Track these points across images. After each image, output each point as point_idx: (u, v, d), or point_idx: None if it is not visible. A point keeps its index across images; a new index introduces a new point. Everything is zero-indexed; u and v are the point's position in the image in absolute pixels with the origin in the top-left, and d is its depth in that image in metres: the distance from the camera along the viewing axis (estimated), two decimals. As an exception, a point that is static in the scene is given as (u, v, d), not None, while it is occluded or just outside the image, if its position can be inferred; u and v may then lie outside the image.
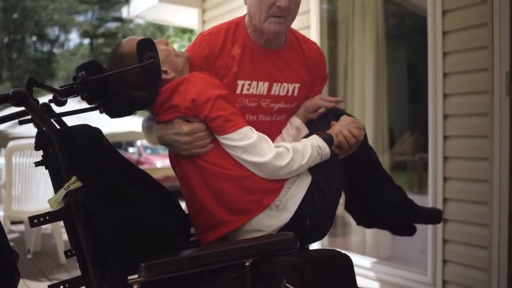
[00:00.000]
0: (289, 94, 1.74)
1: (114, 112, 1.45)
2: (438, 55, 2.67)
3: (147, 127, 1.63)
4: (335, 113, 1.72)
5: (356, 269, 1.52)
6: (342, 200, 1.69)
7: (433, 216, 1.93)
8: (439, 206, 2.68)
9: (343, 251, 1.53)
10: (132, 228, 1.25)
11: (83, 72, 1.33)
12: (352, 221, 3.51)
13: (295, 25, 1.77)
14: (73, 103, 1.49)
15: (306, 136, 1.61)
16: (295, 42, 1.78)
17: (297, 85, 1.75)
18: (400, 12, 4.75)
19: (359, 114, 3.51)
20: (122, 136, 8.17)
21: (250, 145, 1.42)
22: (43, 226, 4.94)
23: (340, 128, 1.59)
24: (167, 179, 9.76)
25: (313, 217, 1.48)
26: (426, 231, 2.77)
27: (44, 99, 1.35)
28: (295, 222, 1.45)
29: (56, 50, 24.56)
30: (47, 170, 1.29)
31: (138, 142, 11.60)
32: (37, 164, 1.29)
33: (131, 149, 12.13)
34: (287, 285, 1.19)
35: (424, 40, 2.78)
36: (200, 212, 1.49)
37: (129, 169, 1.48)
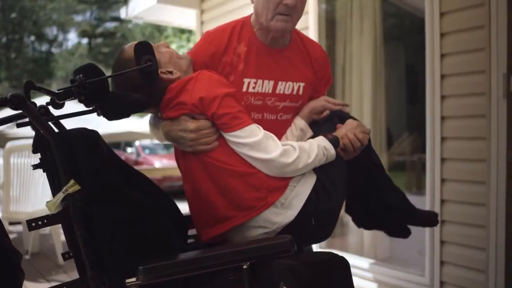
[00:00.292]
0: (294, 92, 1.76)
1: (112, 114, 1.45)
2: (435, 57, 2.68)
3: (154, 124, 1.65)
4: (340, 116, 1.75)
5: (353, 270, 1.53)
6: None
7: (430, 219, 1.94)
8: (437, 207, 2.69)
9: (340, 252, 1.54)
10: (130, 230, 1.25)
11: (81, 75, 1.33)
12: (350, 222, 3.53)
13: (293, 25, 1.78)
14: (72, 104, 1.49)
15: (311, 137, 1.63)
16: (299, 42, 1.80)
17: (302, 84, 1.76)
18: (398, 12, 4.76)
19: (357, 114, 3.51)
20: (120, 136, 8.17)
21: (256, 142, 1.44)
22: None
23: (345, 131, 1.62)
24: (165, 180, 9.79)
25: (318, 216, 1.50)
26: (423, 233, 2.78)
27: (42, 99, 1.36)
28: (300, 220, 1.47)
29: (54, 50, 24.52)
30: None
31: (137, 142, 11.59)
32: (35, 167, 1.29)
33: (129, 149, 12.13)
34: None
35: (422, 40, 2.79)
36: (205, 207, 1.51)
37: (126, 172, 1.48)
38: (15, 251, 1.30)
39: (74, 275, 1.30)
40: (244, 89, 1.67)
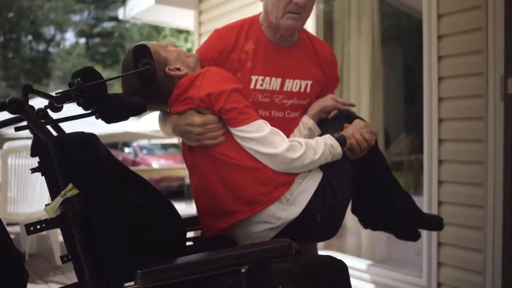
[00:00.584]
0: (302, 90, 1.77)
1: (110, 118, 1.45)
2: (433, 59, 2.69)
3: (163, 119, 1.67)
4: (348, 116, 1.76)
5: (351, 271, 1.53)
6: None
7: (436, 223, 1.92)
8: (434, 209, 2.69)
9: (338, 254, 1.54)
10: (128, 234, 1.26)
11: (79, 79, 1.33)
12: (348, 223, 3.54)
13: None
14: (72, 106, 1.50)
15: (319, 136, 1.64)
16: (307, 41, 1.82)
17: (310, 82, 1.78)
18: (396, 13, 4.77)
19: (355, 115, 3.52)
20: (118, 136, 8.17)
21: (263, 137, 1.46)
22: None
23: (353, 131, 1.63)
24: (163, 180, 9.78)
25: (324, 213, 1.50)
26: (421, 234, 2.78)
27: (40, 100, 1.35)
28: (306, 217, 1.48)
29: (52, 50, 24.46)
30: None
31: (134, 143, 11.58)
32: (34, 170, 1.30)
33: (127, 150, 12.11)
34: (282, 291, 1.20)
35: (419, 41, 2.80)
36: (210, 201, 1.53)
37: (125, 175, 1.48)
38: (18, 252, 1.30)
39: (72, 276, 1.30)
40: (252, 86, 1.69)
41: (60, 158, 1.20)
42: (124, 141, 11.30)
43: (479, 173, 2.49)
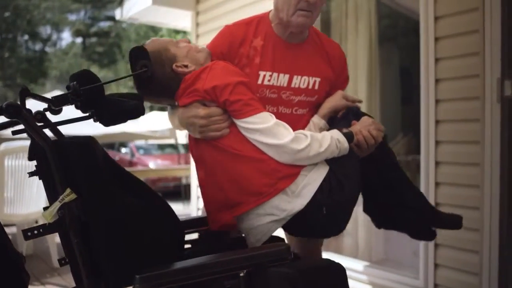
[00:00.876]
0: (310, 87, 1.77)
1: (108, 121, 1.45)
2: (430, 61, 2.69)
3: (172, 112, 1.69)
4: (356, 113, 1.76)
5: (348, 273, 1.52)
6: (360, 201, 1.69)
7: (453, 221, 1.86)
8: (431, 210, 2.70)
9: (335, 255, 1.54)
10: (127, 239, 1.26)
11: (75, 82, 1.33)
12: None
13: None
14: (71, 106, 1.50)
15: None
16: (316, 38, 1.83)
17: (318, 79, 1.78)
18: (393, 14, 4.77)
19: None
20: (115, 136, 8.15)
21: (267, 128, 1.47)
22: (35, 228, 4.93)
23: (360, 128, 1.63)
24: (160, 180, 9.78)
25: (330, 206, 1.49)
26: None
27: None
28: (311, 210, 1.48)
29: (48, 49, 24.36)
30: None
31: (131, 143, 11.57)
32: (31, 174, 1.29)
33: (123, 150, 12.10)
34: (280, 295, 1.20)
35: (416, 42, 2.80)
36: (216, 193, 1.54)
37: (123, 178, 1.47)
38: (18, 254, 1.30)
39: (69, 278, 1.30)
40: (260, 81, 1.70)
41: (57, 162, 1.19)
42: (121, 141, 11.28)
43: (475, 175, 2.49)
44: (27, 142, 1.30)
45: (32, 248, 4.36)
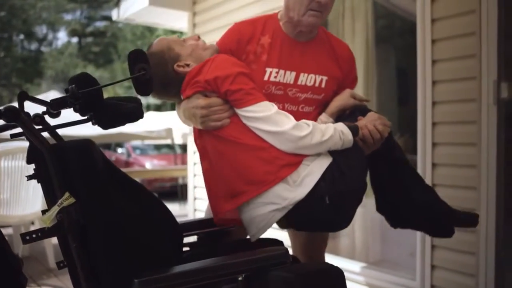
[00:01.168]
0: (316, 85, 1.77)
1: (106, 124, 1.45)
2: (427, 63, 2.70)
3: (178, 106, 1.71)
4: (363, 110, 1.76)
5: (345, 274, 1.51)
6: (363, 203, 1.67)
7: (468, 219, 1.81)
8: (428, 212, 2.70)
9: (332, 256, 1.53)
10: (125, 243, 1.25)
11: (73, 85, 1.33)
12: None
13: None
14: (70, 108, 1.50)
15: None
16: (325, 38, 1.84)
17: (325, 78, 1.78)
18: (389, 15, 4.78)
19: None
20: (111, 137, 8.12)
21: (269, 116, 1.48)
22: (32, 229, 4.91)
23: (366, 122, 1.64)
24: (156, 180, 9.76)
25: (333, 196, 1.48)
26: (415, 236, 2.81)
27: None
28: (313, 199, 1.47)
29: (44, 49, 24.27)
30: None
31: (127, 143, 11.54)
32: (30, 177, 1.29)
33: (120, 150, 12.07)
34: (279, 299, 1.20)
35: (412, 43, 2.81)
36: (219, 183, 1.56)
37: (121, 181, 1.47)
38: (16, 257, 1.30)
39: (65, 279, 1.30)
40: (266, 78, 1.71)
41: (56, 166, 1.19)
42: (118, 141, 11.25)
43: (472, 177, 2.50)
44: (24, 143, 1.30)
45: (28, 249, 4.35)
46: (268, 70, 1.71)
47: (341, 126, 1.57)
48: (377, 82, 3.75)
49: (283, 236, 2.05)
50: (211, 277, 1.18)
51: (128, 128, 7.95)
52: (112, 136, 7.81)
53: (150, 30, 17.59)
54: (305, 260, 1.92)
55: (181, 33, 5.99)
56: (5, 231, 5.08)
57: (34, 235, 1.18)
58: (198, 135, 1.64)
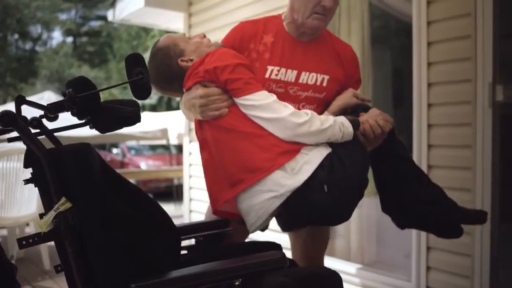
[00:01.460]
0: (318, 83, 1.78)
1: (104, 128, 1.45)
2: (422, 65, 2.71)
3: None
4: (365, 109, 1.76)
5: (341, 275, 1.51)
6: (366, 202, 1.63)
7: (477, 216, 1.78)
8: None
9: (327, 257, 1.52)
10: (122, 248, 1.25)
11: (70, 89, 1.32)
12: (337, 226, 3.56)
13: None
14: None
15: None
16: (328, 39, 1.87)
17: (327, 77, 1.79)
18: (385, 16, 4.80)
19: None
20: (106, 137, 8.10)
21: (268, 103, 1.51)
22: (27, 230, 4.89)
23: (367, 117, 1.64)
24: (151, 181, 9.74)
25: (331, 184, 1.46)
26: (410, 238, 2.82)
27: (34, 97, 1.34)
28: (311, 186, 1.46)
29: (38, 48, 24.17)
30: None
31: (122, 143, 11.51)
32: (27, 182, 1.29)
33: (115, 150, 12.04)
34: (276, 303, 1.20)
35: (408, 44, 2.82)
36: (218, 173, 1.57)
37: (119, 185, 1.47)
38: (9, 263, 1.30)
39: (60, 281, 1.30)
40: (267, 75, 1.73)
41: (52, 171, 1.19)
42: (113, 142, 11.23)
43: (467, 179, 2.52)
44: (19, 144, 1.30)
45: (23, 251, 4.32)
46: (270, 68, 1.73)
47: (341, 118, 1.58)
48: (372, 83, 3.75)
49: (283, 239, 2.05)
50: (208, 282, 1.18)
51: (123, 129, 7.93)
52: (107, 136, 7.78)
53: (145, 30, 17.54)
54: (305, 263, 1.92)
55: (176, 32, 5.98)
56: (0, 233, 5.07)
57: (30, 240, 1.17)
58: (199, 127, 1.66)
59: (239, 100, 1.54)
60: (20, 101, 1.27)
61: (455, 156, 2.60)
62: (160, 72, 1.69)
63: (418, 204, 1.72)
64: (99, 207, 1.24)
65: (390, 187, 1.76)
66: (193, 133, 4.75)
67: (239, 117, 1.53)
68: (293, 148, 1.51)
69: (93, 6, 23.41)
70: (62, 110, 1.35)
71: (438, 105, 2.68)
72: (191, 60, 1.66)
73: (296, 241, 2.00)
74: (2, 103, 17.26)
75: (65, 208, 1.17)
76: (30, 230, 4.95)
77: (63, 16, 24.36)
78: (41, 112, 1.34)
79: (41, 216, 1.22)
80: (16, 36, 23.15)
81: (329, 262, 2.08)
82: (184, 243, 1.68)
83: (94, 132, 1.48)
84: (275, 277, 1.22)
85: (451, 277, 2.63)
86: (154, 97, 16.15)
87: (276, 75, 1.73)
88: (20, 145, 1.30)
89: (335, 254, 3.65)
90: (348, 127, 1.56)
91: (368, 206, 3.57)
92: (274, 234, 2.05)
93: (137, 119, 1.46)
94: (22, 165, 1.32)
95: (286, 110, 1.50)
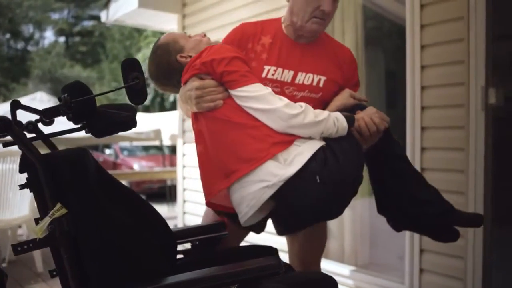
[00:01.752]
0: (314, 84, 1.79)
1: (99, 132, 1.45)
2: (416, 68, 2.73)
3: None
4: (362, 108, 1.75)
5: (334, 277, 1.50)
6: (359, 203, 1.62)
7: (473, 218, 1.77)
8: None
9: (322, 258, 1.50)
10: (117, 253, 1.25)
11: (66, 94, 1.32)
12: (331, 228, 3.56)
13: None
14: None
15: None
16: (327, 41, 1.88)
17: (323, 78, 1.79)
18: (378, 18, 4.81)
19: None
20: (99, 139, 8.06)
21: (262, 95, 1.53)
22: (19, 232, 4.86)
23: (363, 115, 1.64)
24: (144, 182, 9.72)
25: (323, 176, 1.46)
26: (403, 240, 2.83)
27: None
28: (304, 177, 1.46)
29: (30, 48, 24.05)
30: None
31: (115, 144, 11.47)
32: (22, 187, 1.28)
33: (107, 151, 12.00)
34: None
35: (402, 46, 2.83)
36: (212, 164, 1.59)
37: (115, 190, 1.47)
38: (0, 271, 1.29)
39: (53, 283, 1.30)
40: (264, 75, 1.74)
41: (47, 177, 1.19)
42: (105, 143, 11.19)
43: (460, 181, 2.53)
44: (12, 146, 1.29)
45: (16, 253, 4.29)
46: (267, 68, 1.74)
47: (336, 113, 1.59)
48: (365, 85, 3.76)
49: (280, 242, 2.06)
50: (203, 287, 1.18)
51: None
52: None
53: (138, 30, 17.47)
54: (301, 267, 1.93)
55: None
56: (-8, 235, 5.02)
57: (25, 246, 1.17)
58: (195, 120, 1.67)
59: (234, 92, 1.55)
60: (15, 106, 1.26)
61: (448, 159, 2.61)
62: (159, 67, 1.74)
63: (414, 204, 1.71)
64: (94, 213, 1.24)
65: (386, 187, 1.76)
66: (187, 135, 4.76)
67: (233, 109, 1.55)
68: (286, 139, 1.52)
69: (86, 6, 23.31)
70: (58, 115, 1.34)
71: (431, 108, 2.69)
72: (190, 56, 1.68)
73: (292, 246, 2.01)
74: (-6, 103, 17.12)
75: (60, 214, 1.17)
76: (22, 232, 4.93)
77: (55, 16, 24.26)
78: (37, 115, 1.34)
79: (37, 221, 1.22)
80: (8, 35, 23.01)
81: (323, 263, 2.08)
82: (180, 247, 1.68)
83: (87, 134, 1.47)
84: (271, 283, 1.22)
85: (444, 279, 2.64)
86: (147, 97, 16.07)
87: (273, 74, 1.74)
88: (13, 147, 1.30)
89: (329, 256, 3.64)
90: (343, 122, 1.56)
91: (362, 207, 3.59)
92: (271, 237, 2.05)
93: (133, 124, 1.46)
94: (14, 167, 1.31)
95: (280, 101, 1.52)
